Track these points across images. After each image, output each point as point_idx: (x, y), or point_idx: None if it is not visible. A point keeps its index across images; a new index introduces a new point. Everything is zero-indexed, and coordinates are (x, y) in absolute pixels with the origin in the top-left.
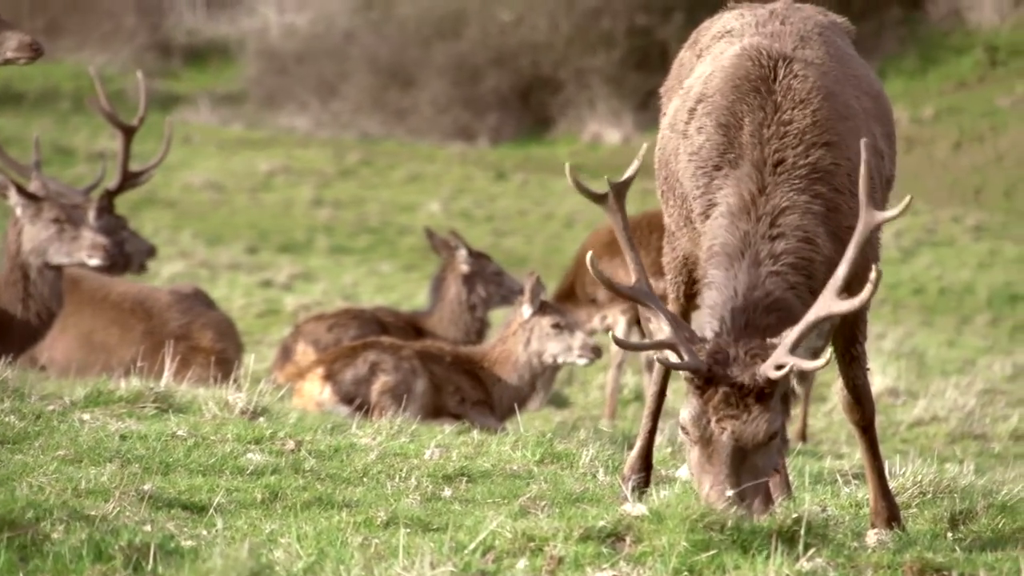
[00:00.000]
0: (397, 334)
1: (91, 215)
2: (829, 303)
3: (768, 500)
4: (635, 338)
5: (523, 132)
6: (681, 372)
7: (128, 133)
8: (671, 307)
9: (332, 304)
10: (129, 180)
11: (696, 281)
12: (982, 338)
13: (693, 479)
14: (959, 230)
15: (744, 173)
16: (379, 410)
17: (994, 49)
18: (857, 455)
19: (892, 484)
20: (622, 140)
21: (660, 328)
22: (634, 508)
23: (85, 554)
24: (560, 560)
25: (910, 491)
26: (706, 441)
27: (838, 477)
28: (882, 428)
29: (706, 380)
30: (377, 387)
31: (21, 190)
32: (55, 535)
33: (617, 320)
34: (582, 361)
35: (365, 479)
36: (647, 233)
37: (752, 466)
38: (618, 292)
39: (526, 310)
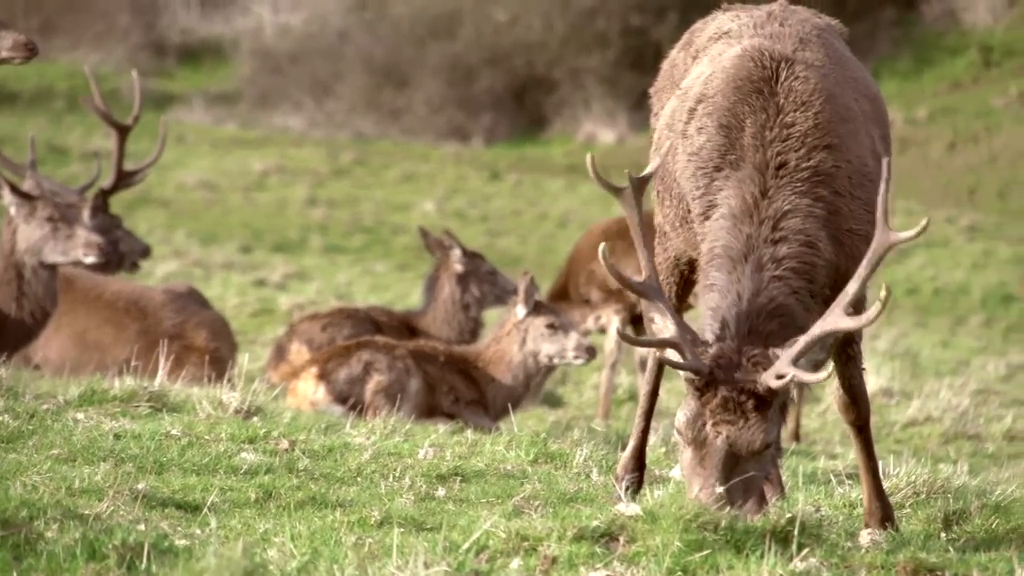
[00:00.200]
0: (391, 334)
1: (85, 214)
2: (837, 319)
3: (762, 500)
4: None
5: (517, 132)
6: (682, 372)
7: (123, 132)
8: None
9: (326, 303)
10: (123, 179)
11: (688, 282)
12: (976, 339)
13: (684, 479)
14: (953, 231)
15: (746, 175)
16: (373, 410)
17: (988, 50)
18: (851, 455)
19: (886, 484)
20: (616, 140)
21: (665, 327)
22: (628, 508)
23: (79, 553)
24: (554, 560)
25: (904, 491)
26: (700, 444)
27: (832, 477)
28: (876, 428)
29: (706, 383)
30: (371, 387)
31: (15, 189)
32: (49, 534)
33: (611, 320)
34: (577, 362)
35: (359, 479)
36: None
37: (744, 474)
38: (628, 287)
39: (520, 310)
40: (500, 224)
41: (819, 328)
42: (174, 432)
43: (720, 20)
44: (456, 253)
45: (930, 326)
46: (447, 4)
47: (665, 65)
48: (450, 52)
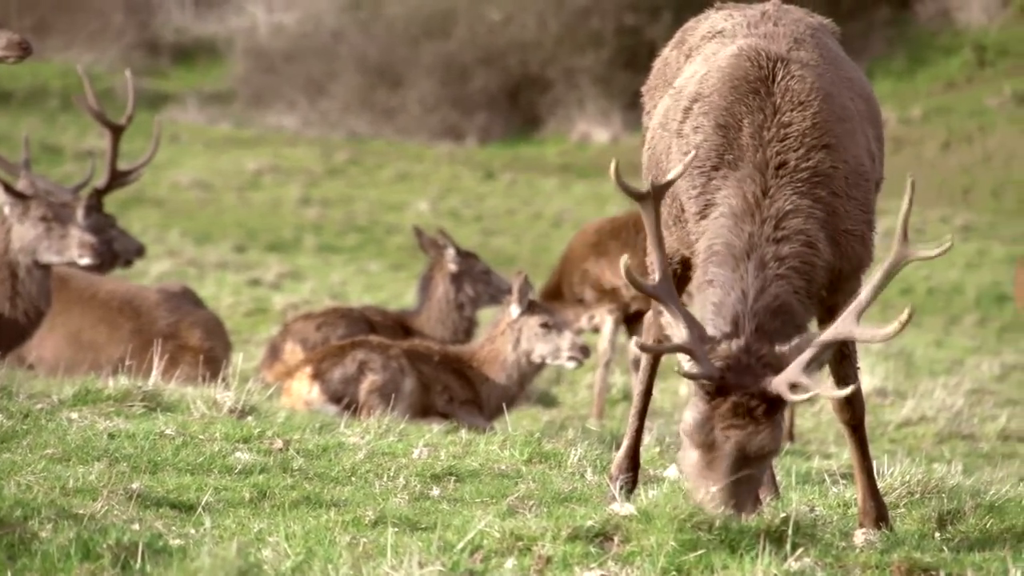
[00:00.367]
0: (385, 333)
1: (79, 214)
2: (850, 327)
3: (756, 500)
4: (621, 338)
5: (511, 131)
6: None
7: (116, 132)
8: (655, 306)
9: (320, 303)
10: (117, 179)
11: (682, 279)
12: (970, 338)
13: (688, 482)
14: (947, 230)
15: (745, 175)
16: (367, 409)
17: (982, 49)
18: (845, 455)
19: (880, 484)
20: (610, 139)
21: (677, 331)
22: (622, 508)
23: (73, 553)
24: (548, 560)
25: (898, 491)
26: (708, 447)
27: (826, 477)
28: (870, 428)
29: (718, 388)
30: (365, 386)
31: (9, 189)
32: (43, 534)
33: (604, 319)
34: (570, 364)
35: (353, 478)
36: (633, 233)
37: (748, 476)
38: (643, 291)
39: (514, 310)
40: (494, 223)
41: (831, 335)
42: (168, 432)
43: (713, 19)
44: (450, 252)
45: (924, 326)
46: (441, 3)
47: (657, 63)
48: (444, 51)
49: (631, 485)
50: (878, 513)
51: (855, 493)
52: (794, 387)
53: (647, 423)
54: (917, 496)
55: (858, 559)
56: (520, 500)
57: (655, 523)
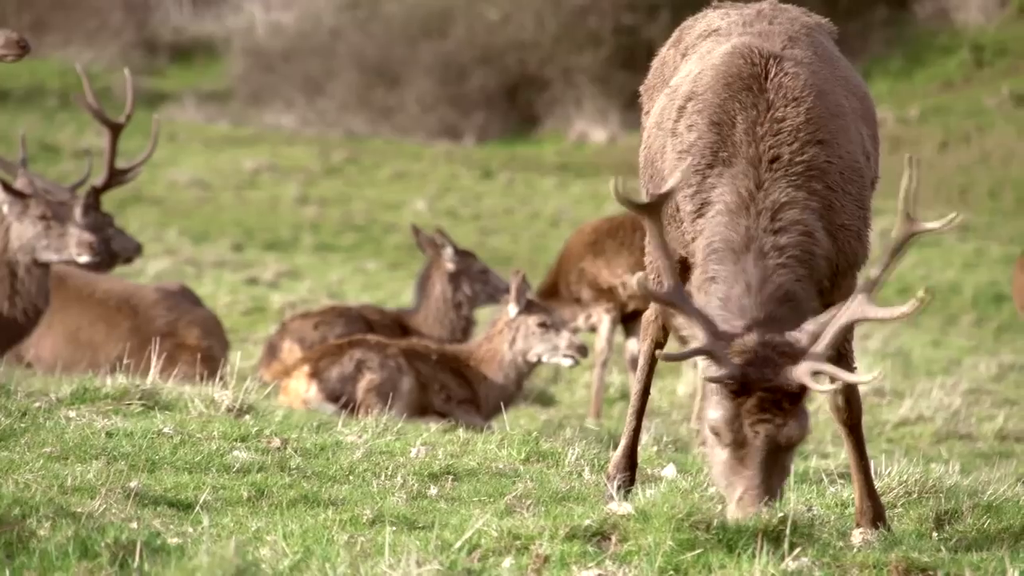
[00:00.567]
0: (383, 332)
1: (77, 212)
2: (863, 307)
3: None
4: (618, 338)
5: (509, 131)
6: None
7: (115, 130)
8: (652, 306)
9: (318, 302)
10: (115, 177)
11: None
12: (967, 338)
13: (718, 481)
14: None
15: (739, 171)
16: (365, 408)
17: (980, 49)
18: (842, 454)
19: (878, 484)
20: (608, 139)
21: (695, 335)
22: (620, 507)
23: (71, 551)
24: (546, 559)
25: (896, 491)
26: (739, 444)
27: (823, 476)
28: (868, 428)
29: (741, 385)
30: (363, 385)
31: (8, 187)
32: (41, 532)
33: (601, 319)
34: (568, 362)
35: (351, 477)
36: (630, 232)
37: (781, 467)
38: (657, 300)
39: (512, 309)
40: (492, 223)
41: (845, 317)
42: (166, 430)
43: (710, 18)
44: (448, 251)
45: (921, 325)
46: (439, 2)
47: (655, 63)
48: (442, 51)
49: (629, 484)
50: (875, 513)
51: (852, 493)
52: (816, 374)
53: (645, 422)
54: (915, 496)
55: (855, 559)
56: (518, 499)
57: (653, 522)
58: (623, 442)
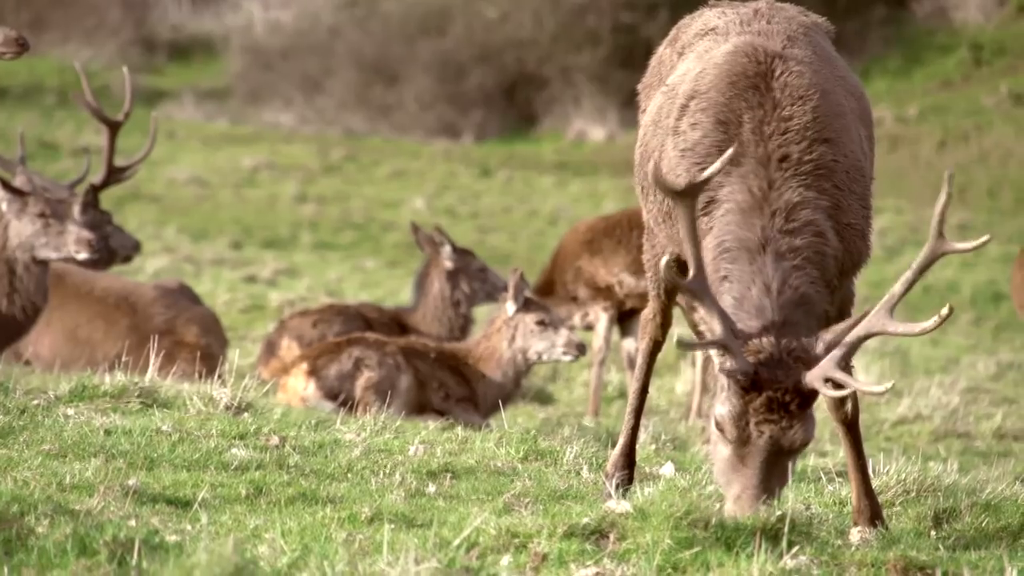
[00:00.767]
0: (381, 330)
1: (76, 210)
2: (883, 321)
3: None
4: (613, 336)
5: (508, 129)
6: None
7: (114, 128)
8: (651, 305)
9: (316, 300)
10: (114, 175)
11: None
12: (966, 337)
13: (719, 478)
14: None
15: (748, 170)
16: (363, 406)
17: (979, 48)
18: (840, 453)
19: (876, 482)
20: (607, 137)
21: (712, 327)
22: (618, 505)
23: (69, 548)
24: (544, 557)
25: (894, 489)
26: (742, 442)
27: (822, 475)
28: (866, 426)
29: (752, 383)
30: (361, 383)
31: (6, 185)
32: (40, 529)
33: (599, 317)
34: (566, 358)
35: (349, 475)
36: (628, 230)
37: (782, 470)
38: (679, 288)
39: (510, 307)
40: (490, 221)
41: (864, 329)
42: (165, 428)
43: (706, 16)
44: (446, 250)
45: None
46: (437, 1)
47: (653, 61)
48: (440, 49)
49: (627, 482)
50: (872, 512)
51: (850, 491)
52: (828, 381)
53: (643, 420)
54: (913, 494)
55: (854, 557)
56: (516, 497)
57: (651, 520)
58: (621, 440)
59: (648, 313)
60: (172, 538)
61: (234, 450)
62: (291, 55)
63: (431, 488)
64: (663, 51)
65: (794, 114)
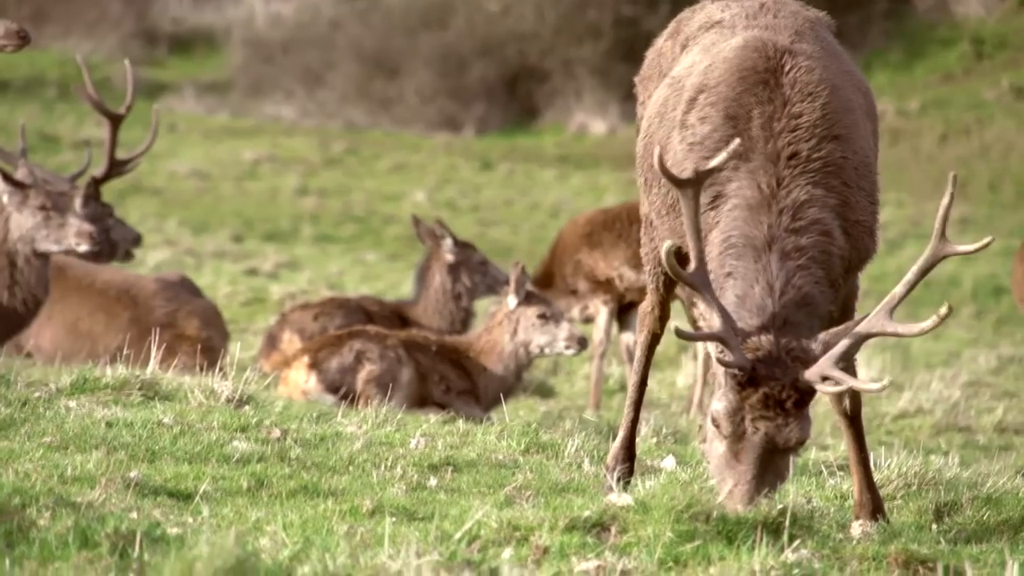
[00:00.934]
0: (382, 323)
1: (77, 203)
2: (883, 322)
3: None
4: (614, 330)
5: (509, 122)
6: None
7: (115, 121)
8: (649, 298)
9: (317, 293)
10: (115, 168)
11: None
12: (967, 330)
13: (713, 473)
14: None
15: (757, 166)
16: (365, 399)
17: (980, 42)
18: (842, 447)
19: (877, 476)
20: (608, 131)
21: (712, 320)
22: (619, 498)
23: (71, 541)
24: (545, 550)
25: (895, 483)
26: (737, 438)
27: (823, 469)
28: (867, 420)
29: (749, 379)
30: (363, 376)
31: (8, 178)
32: (41, 522)
33: (599, 310)
34: (568, 352)
35: (351, 468)
36: (627, 224)
37: (776, 468)
38: (681, 279)
39: (512, 300)
40: (491, 214)
41: (865, 329)
42: (166, 420)
43: (709, 9)
44: (447, 243)
45: (921, 318)
46: None
47: (651, 53)
48: (442, 42)
49: (628, 476)
50: (874, 505)
51: (852, 485)
52: (825, 379)
53: (644, 414)
54: (914, 488)
55: (855, 551)
56: (517, 490)
57: (652, 514)
58: (621, 433)
59: (646, 306)
60: (174, 530)
61: (235, 443)
62: (292, 48)
63: (432, 481)
64: (663, 43)
65: (804, 111)
